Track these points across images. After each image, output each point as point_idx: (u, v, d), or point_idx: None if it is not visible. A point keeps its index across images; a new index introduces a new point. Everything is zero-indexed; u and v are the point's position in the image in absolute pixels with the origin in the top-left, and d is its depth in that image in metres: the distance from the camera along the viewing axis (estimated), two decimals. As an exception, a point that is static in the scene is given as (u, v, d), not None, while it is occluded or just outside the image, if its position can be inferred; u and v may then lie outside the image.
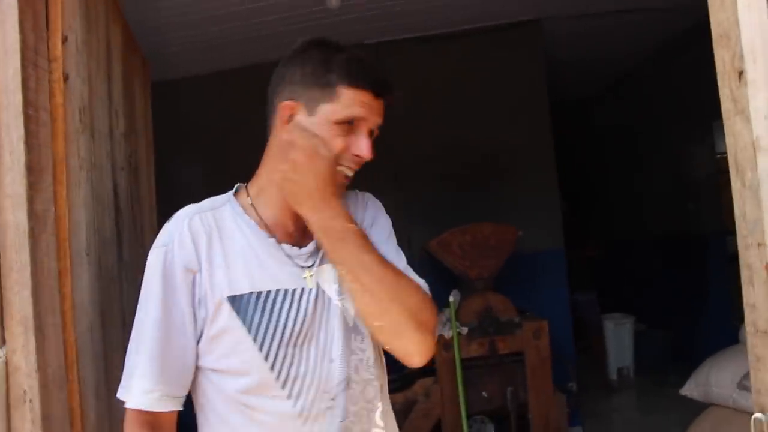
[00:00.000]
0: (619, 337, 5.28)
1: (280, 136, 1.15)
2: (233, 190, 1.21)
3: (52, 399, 1.08)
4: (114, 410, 1.42)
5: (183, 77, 4.18)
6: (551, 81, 4.49)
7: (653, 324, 5.59)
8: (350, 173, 1.16)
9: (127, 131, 1.78)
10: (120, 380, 1.10)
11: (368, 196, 1.31)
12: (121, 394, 1.09)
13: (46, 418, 1.04)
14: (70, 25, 1.24)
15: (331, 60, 1.13)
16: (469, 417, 3.21)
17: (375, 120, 1.16)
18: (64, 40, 1.19)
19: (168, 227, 1.14)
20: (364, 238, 1.12)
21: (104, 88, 1.52)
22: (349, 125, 1.13)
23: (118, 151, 1.66)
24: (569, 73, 5.56)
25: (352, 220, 1.12)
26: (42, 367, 1.04)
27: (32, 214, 1.06)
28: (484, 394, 3.23)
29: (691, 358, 3.46)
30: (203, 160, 4.21)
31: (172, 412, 1.11)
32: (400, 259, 1.22)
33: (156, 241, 1.13)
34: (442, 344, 3.19)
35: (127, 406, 1.09)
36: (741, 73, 1.03)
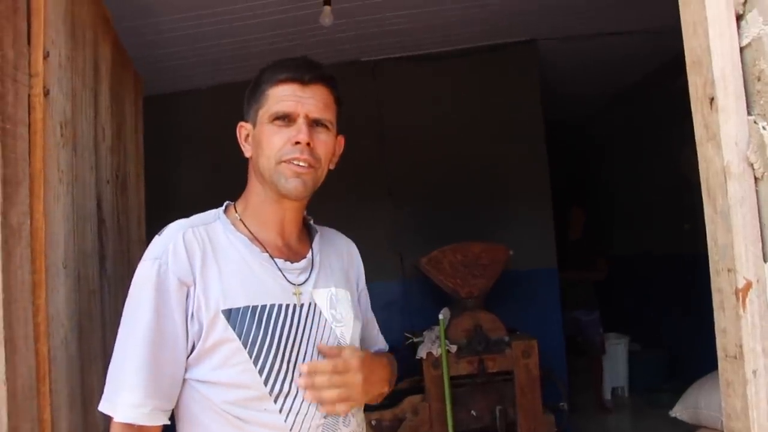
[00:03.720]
0: (613, 357, 5.25)
1: (247, 154, 1.24)
2: (222, 207, 1.24)
3: (21, 410, 1.08)
4: (89, 423, 1.41)
5: (181, 91, 4.22)
6: (550, 100, 4.51)
7: (648, 344, 5.55)
8: (301, 163, 1.16)
9: (115, 145, 1.79)
10: (100, 392, 1.09)
11: (352, 243, 1.40)
12: (105, 408, 1.08)
13: (13, 430, 1.04)
14: (53, 41, 1.26)
15: (263, 72, 1.21)
16: (457, 435, 3.19)
17: (308, 107, 1.17)
18: (46, 55, 1.20)
19: (160, 240, 1.14)
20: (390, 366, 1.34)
21: (90, 103, 1.53)
22: (284, 121, 1.17)
23: (104, 164, 1.67)
24: (568, 92, 5.58)
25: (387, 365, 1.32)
26: (11, 378, 1.04)
27: (7, 227, 1.06)
28: (472, 412, 3.22)
29: (686, 378, 3.44)
30: (203, 174, 4.23)
31: (159, 426, 1.10)
32: (376, 320, 1.41)
33: (147, 253, 1.13)
34: (431, 362, 3.19)
35: (116, 420, 1.07)
36: (712, 100, 1.03)
